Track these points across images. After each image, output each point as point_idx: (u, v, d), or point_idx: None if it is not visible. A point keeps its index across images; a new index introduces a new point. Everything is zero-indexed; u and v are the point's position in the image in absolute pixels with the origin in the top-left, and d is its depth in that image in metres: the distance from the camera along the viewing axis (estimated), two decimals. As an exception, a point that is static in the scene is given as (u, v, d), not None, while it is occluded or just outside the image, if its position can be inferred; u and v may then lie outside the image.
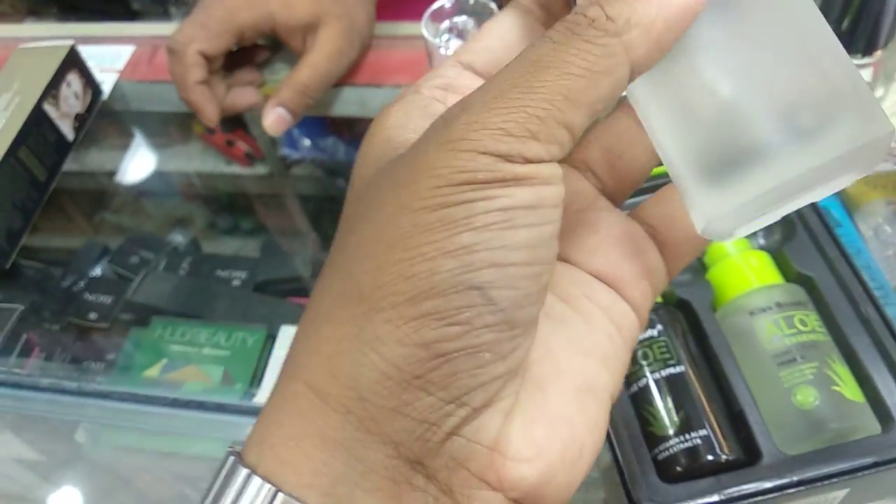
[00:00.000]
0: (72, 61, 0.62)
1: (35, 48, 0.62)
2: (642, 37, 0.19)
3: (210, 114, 0.59)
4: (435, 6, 0.43)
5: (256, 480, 0.19)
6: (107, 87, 0.69)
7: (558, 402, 0.21)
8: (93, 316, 0.69)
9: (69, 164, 0.70)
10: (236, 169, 0.75)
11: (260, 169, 0.76)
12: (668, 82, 0.21)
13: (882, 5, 0.43)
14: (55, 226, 0.73)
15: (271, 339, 0.61)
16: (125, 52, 0.72)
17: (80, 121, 0.64)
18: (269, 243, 0.78)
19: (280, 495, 0.19)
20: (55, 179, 0.62)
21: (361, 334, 0.19)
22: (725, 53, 0.20)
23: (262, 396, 0.54)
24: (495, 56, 0.24)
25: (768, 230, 0.46)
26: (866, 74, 0.47)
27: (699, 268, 0.45)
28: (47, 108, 0.60)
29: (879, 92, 0.50)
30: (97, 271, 0.74)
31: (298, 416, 0.20)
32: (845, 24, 0.45)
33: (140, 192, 0.76)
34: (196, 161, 0.76)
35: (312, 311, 0.21)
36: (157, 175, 0.75)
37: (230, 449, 0.21)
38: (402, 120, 0.23)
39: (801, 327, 0.39)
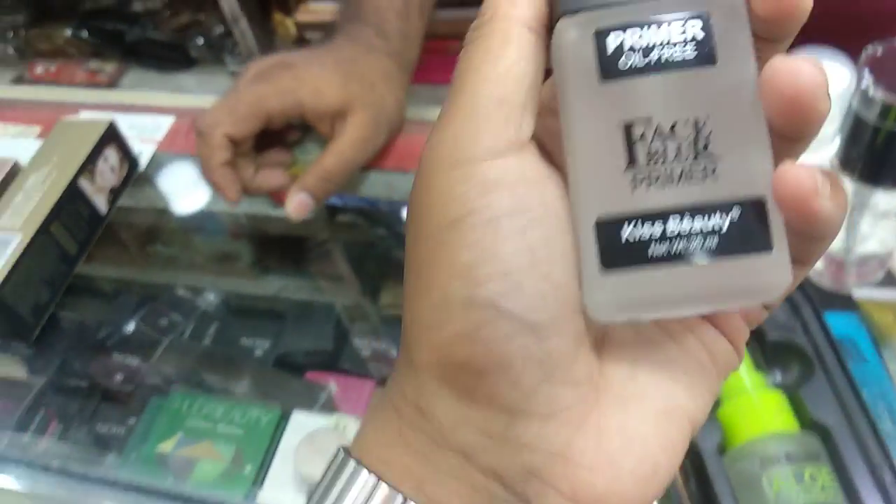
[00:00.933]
0: (109, 136, 0.64)
1: (75, 122, 0.64)
2: (509, 2, 0.21)
3: (231, 194, 0.60)
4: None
5: (363, 472, 0.22)
6: (145, 158, 0.71)
7: (636, 420, 0.21)
8: (119, 377, 0.70)
9: (124, 200, 0.72)
10: (283, 212, 0.77)
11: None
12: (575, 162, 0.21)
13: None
14: (106, 256, 0.75)
15: (285, 418, 0.61)
16: (165, 123, 0.73)
17: (114, 193, 0.65)
18: (296, 307, 0.78)
19: (381, 484, 0.22)
20: (85, 253, 0.63)
21: (413, 361, 0.21)
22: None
23: (264, 495, 0.54)
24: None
25: (785, 369, 0.44)
26: (894, 204, 0.45)
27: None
28: (83, 183, 0.62)
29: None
30: (130, 327, 0.75)
31: (386, 429, 0.22)
32: (870, 158, 0.43)
33: (188, 229, 0.78)
34: (245, 203, 0.79)
35: (402, 333, 0.23)
36: (206, 214, 0.76)
37: (341, 446, 0.23)
38: None
39: (810, 483, 0.37)
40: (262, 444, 0.59)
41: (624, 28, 0.20)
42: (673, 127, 0.20)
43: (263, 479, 0.57)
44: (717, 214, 0.19)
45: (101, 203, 0.64)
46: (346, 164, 0.60)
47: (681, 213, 0.20)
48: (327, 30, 0.76)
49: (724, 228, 0.19)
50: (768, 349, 0.44)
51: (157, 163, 0.71)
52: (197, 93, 1.00)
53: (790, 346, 0.43)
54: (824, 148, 0.41)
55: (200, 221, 0.77)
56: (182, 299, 0.78)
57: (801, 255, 0.21)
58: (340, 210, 0.79)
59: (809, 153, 0.42)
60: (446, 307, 0.20)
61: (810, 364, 0.42)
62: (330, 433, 0.54)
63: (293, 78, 0.60)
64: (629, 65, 0.20)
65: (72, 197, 0.61)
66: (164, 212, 0.75)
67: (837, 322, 0.49)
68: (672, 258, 0.20)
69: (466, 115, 0.20)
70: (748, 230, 0.19)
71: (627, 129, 0.20)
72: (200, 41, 1.63)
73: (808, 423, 0.41)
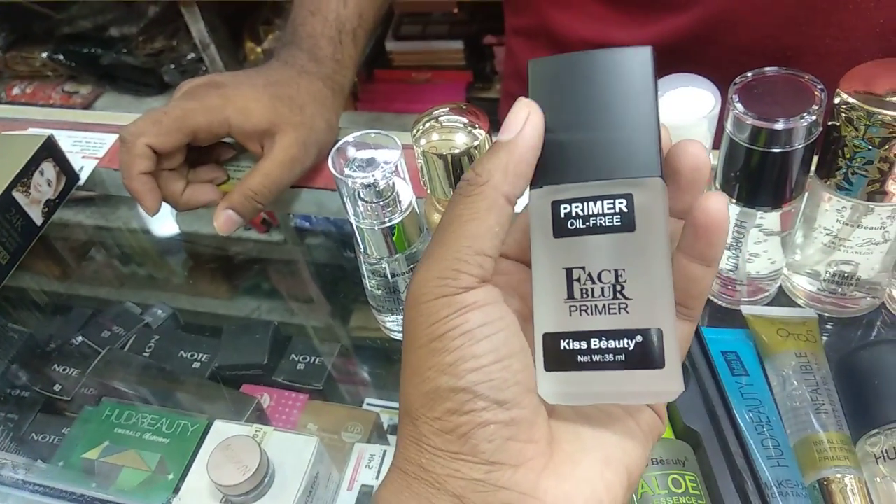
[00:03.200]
0: (47, 150, 0.66)
1: (14, 135, 0.65)
2: (503, 176, 0.29)
3: (149, 203, 0.62)
4: (339, 144, 0.45)
5: None
6: (85, 173, 0.72)
7: (584, 468, 0.29)
8: (57, 388, 0.71)
9: (96, 219, 0.74)
10: (253, 234, 0.79)
11: (275, 236, 0.80)
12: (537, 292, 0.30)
13: (786, 162, 0.44)
14: (51, 270, 0.76)
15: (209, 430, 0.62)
16: (109, 139, 0.75)
17: (49, 206, 0.67)
18: (231, 328, 0.79)
19: None
20: (17, 263, 0.64)
21: (414, 434, 0.29)
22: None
23: (178, 502, 0.54)
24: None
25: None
26: (775, 223, 0.47)
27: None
28: (16, 194, 0.63)
29: (799, 238, 0.50)
30: (76, 340, 0.76)
31: (395, 484, 0.30)
32: (747, 180, 0.45)
33: (161, 250, 0.80)
34: (207, 223, 0.80)
35: (398, 421, 0.31)
36: (178, 235, 0.78)
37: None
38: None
39: (673, 489, 0.39)
40: (186, 454, 0.60)
41: (571, 201, 0.28)
42: (599, 274, 0.28)
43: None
44: (626, 339, 0.27)
45: (35, 215, 0.66)
46: (272, 184, 0.62)
47: (600, 335, 0.28)
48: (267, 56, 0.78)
49: (631, 348, 0.27)
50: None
51: (97, 177, 0.73)
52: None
53: (669, 357, 0.45)
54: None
55: (165, 242, 0.79)
56: (126, 312, 0.79)
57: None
58: (309, 232, 0.81)
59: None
60: (437, 393, 0.28)
61: (686, 375, 0.44)
62: (244, 440, 0.55)
63: (221, 96, 0.62)
64: (573, 226, 0.28)
65: (4, 208, 0.62)
66: (102, 228, 0.77)
67: (725, 337, 0.51)
68: (594, 366, 0.28)
69: (451, 260, 0.29)
70: (648, 351, 0.27)
71: (568, 272, 0.28)
72: (172, 66, 1.67)
73: (681, 430, 0.42)
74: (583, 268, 0.28)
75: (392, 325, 0.57)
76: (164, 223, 0.79)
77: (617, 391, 0.28)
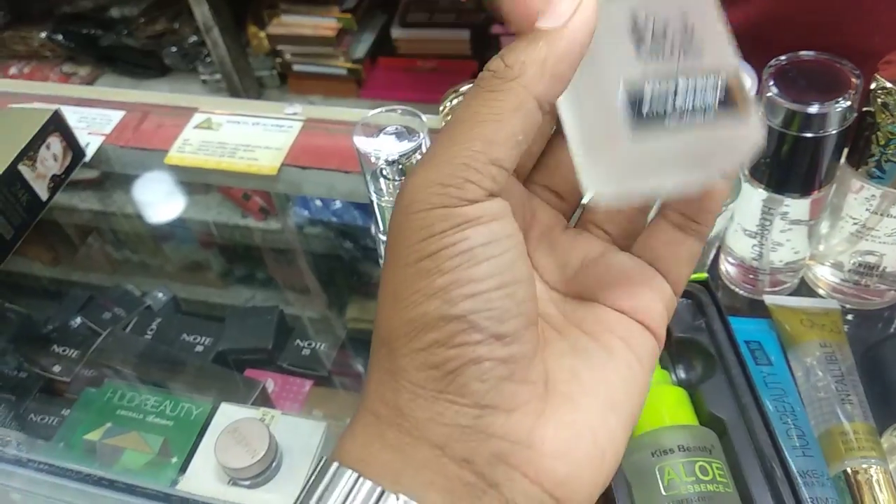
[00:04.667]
0: (54, 125, 0.65)
1: (20, 109, 0.64)
2: (538, 74, 0.23)
3: None
4: (363, 119, 0.44)
5: (345, 472, 0.24)
6: (92, 149, 0.71)
7: (585, 414, 0.25)
8: (56, 369, 0.69)
9: (95, 203, 0.72)
10: (251, 222, 0.78)
11: (273, 224, 0.79)
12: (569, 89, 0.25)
13: (818, 148, 0.43)
14: (55, 250, 0.75)
15: (216, 412, 0.61)
16: (115, 116, 0.74)
17: (55, 181, 0.66)
18: (235, 312, 0.78)
19: (362, 479, 0.24)
20: (22, 238, 0.63)
21: (391, 368, 0.24)
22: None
23: (185, 483, 0.53)
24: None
25: (689, 366, 0.45)
26: (803, 211, 0.46)
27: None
28: (22, 168, 0.62)
29: (824, 228, 0.50)
30: (76, 321, 0.75)
31: (365, 432, 0.25)
32: (777, 166, 0.45)
33: (159, 236, 0.78)
34: (213, 211, 0.79)
35: (371, 359, 0.26)
36: (177, 221, 0.77)
37: (325, 458, 0.26)
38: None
39: (700, 476, 0.38)
40: (191, 437, 0.59)
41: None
42: (665, 22, 0.24)
43: (177, 482, 0.57)
44: (711, 79, 0.24)
45: (41, 189, 0.64)
46: None
47: (686, 75, 0.24)
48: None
49: (710, 99, 0.24)
50: (673, 347, 0.45)
51: (103, 154, 0.72)
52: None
53: (694, 344, 0.44)
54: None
55: (166, 228, 0.77)
56: (128, 294, 0.78)
57: None
58: (307, 221, 0.80)
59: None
60: (425, 321, 0.24)
61: (712, 362, 0.43)
62: (253, 423, 0.54)
63: None
64: None
65: (10, 181, 0.61)
66: (104, 212, 0.75)
67: (748, 326, 0.50)
68: (685, 114, 0.23)
69: (458, 166, 0.23)
70: (732, 97, 0.24)
71: (634, 18, 0.24)
72: (174, 49, 1.65)
73: (706, 418, 0.42)
74: (648, 12, 0.24)
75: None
76: (163, 209, 0.78)
77: (703, 152, 0.24)
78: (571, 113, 0.26)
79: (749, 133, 0.24)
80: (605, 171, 0.24)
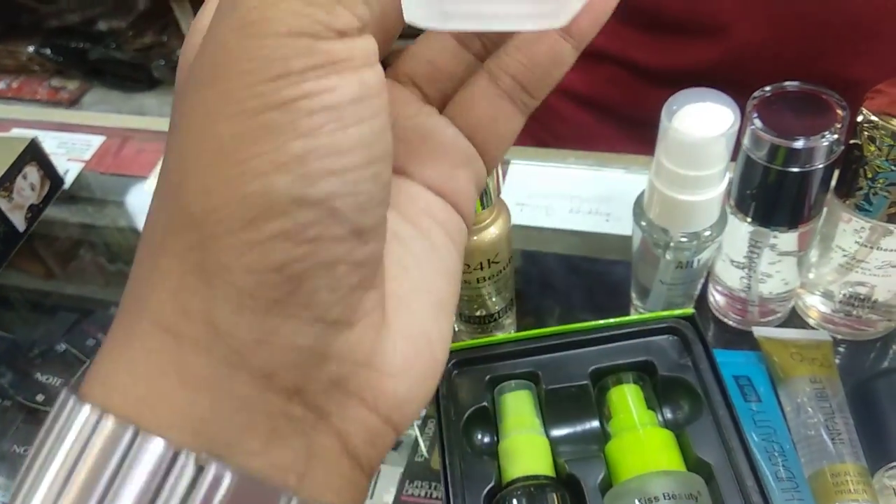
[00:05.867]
0: (31, 154, 0.63)
1: (-4, 139, 0.63)
2: None
3: None
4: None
5: (108, 421, 0.17)
6: (71, 176, 0.70)
7: (421, 318, 0.22)
8: (40, 398, 0.68)
9: (82, 217, 0.71)
10: None
11: None
12: None
13: (805, 183, 0.42)
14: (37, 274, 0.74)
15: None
16: (95, 141, 0.73)
17: (33, 211, 0.65)
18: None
19: (141, 436, 0.17)
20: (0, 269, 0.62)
21: (205, 265, 0.17)
22: None
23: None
24: None
25: (676, 406, 0.43)
26: (792, 243, 0.45)
27: (601, 437, 0.43)
28: (-2, 200, 0.61)
29: (814, 257, 0.49)
30: (61, 347, 0.73)
31: (149, 356, 0.18)
32: (763, 199, 0.44)
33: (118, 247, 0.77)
34: None
35: (147, 239, 0.19)
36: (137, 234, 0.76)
37: (66, 395, 0.18)
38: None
39: (686, 524, 0.37)
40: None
41: None
42: None
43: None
44: None
45: (18, 220, 0.63)
46: None
47: None
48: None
49: None
50: (659, 386, 0.44)
51: (84, 181, 0.70)
52: (159, 113, 0.99)
53: (680, 383, 0.43)
54: (714, 186, 0.41)
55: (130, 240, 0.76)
56: (112, 319, 0.77)
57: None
58: None
59: (697, 194, 0.42)
60: (267, 202, 0.17)
61: (699, 403, 0.42)
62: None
63: None
64: None
65: (-15, 214, 0.60)
66: (90, 229, 0.74)
67: (737, 360, 0.49)
68: None
69: None
70: None
71: None
72: (162, 62, 1.64)
73: (693, 462, 0.41)
74: None
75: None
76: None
77: None
78: None
79: None
80: None
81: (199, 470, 0.17)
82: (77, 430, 0.17)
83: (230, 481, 0.17)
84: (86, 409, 0.17)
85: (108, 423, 0.17)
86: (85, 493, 0.17)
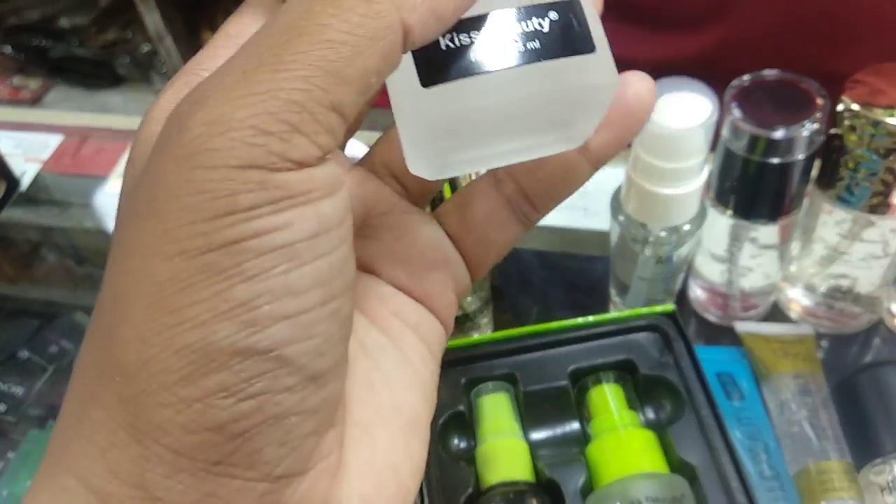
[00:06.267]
0: (-16, 155, 0.61)
1: (-53, 141, 0.60)
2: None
3: None
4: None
5: None
6: (28, 178, 0.67)
7: (386, 448, 0.19)
8: (2, 408, 0.66)
9: (41, 219, 0.68)
10: None
11: None
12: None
13: (785, 174, 0.41)
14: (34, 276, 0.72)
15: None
16: (53, 141, 0.70)
17: (-12, 215, 0.62)
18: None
19: None
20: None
21: (137, 423, 0.16)
22: None
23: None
24: None
25: (658, 406, 0.42)
26: (773, 236, 0.44)
27: (581, 439, 0.41)
28: (-51, 204, 0.58)
29: (795, 249, 0.48)
30: (23, 354, 0.71)
31: None
32: (743, 191, 0.42)
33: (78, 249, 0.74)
34: None
35: (77, 382, 0.17)
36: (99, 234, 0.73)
37: None
38: (166, 109, 0.18)
39: (671, 530, 0.36)
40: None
41: None
42: None
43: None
44: (535, 18, 0.18)
45: (-29, 224, 0.61)
46: None
47: (497, 21, 0.18)
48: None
49: (545, 28, 0.18)
50: (641, 385, 0.42)
51: (41, 182, 0.68)
52: (123, 112, 0.96)
53: (662, 382, 0.42)
54: (692, 179, 0.40)
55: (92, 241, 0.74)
56: (77, 326, 0.74)
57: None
58: None
59: (676, 187, 0.41)
60: (206, 354, 0.15)
61: (681, 402, 0.41)
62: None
63: None
64: None
65: (-63, 218, 0.57)
66: (51, 231, 0.72)
67: (719, 357, 0.48)
68: (496, 62, 0.18)
69: (285, 104, 0.15)
70: (568, 29, 0.18)
71: None
72: (127, 59, 1.60)
73: (676, 463, 0.39)
74: None
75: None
76: (110, 226, 0.74)
77: (533, 94, 0.18)
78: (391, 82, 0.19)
79: (595, 76, 0.19)
80: (414, 118, 0.18)
81: None
82: None
83: None
84: None
85: None
86: None
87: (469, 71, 0.18)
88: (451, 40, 0.18)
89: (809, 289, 0.48)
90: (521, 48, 0.18)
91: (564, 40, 0.18)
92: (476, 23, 0.18)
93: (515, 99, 0.18)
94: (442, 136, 0.18)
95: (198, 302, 0.15)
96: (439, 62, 0.17)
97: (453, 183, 0.41)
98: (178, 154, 0.15)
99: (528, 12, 0.18)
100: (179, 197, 0.15)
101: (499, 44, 0.18)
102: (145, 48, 1.57)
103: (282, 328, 0.16)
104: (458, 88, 0.18)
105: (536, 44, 0.18)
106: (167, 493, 0.16)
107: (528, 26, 0.18)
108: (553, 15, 0.18)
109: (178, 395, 0.15)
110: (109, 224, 0.72)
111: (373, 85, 0.16)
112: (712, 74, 0.41)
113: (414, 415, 0.20)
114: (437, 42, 0.17)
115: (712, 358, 0.47)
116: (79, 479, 0.16)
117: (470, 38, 0.18)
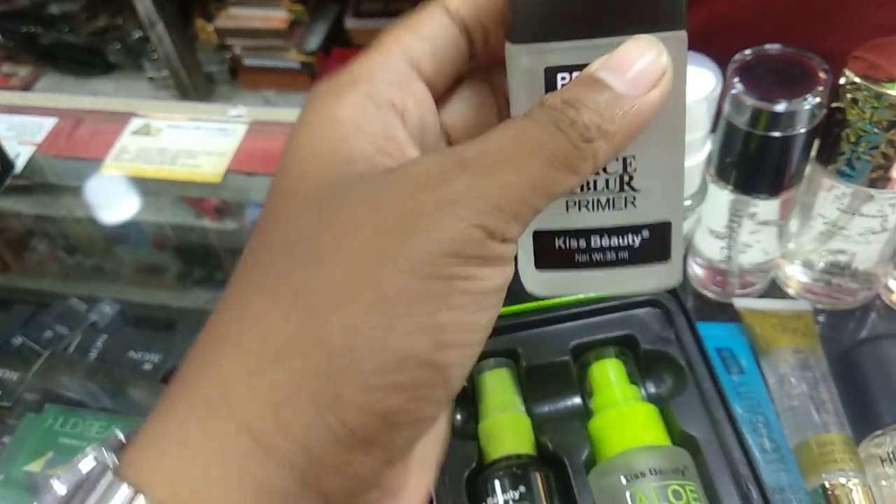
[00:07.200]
0: (-22, 137, 0.60)
1: (-60, 122, 0.59)
2: (607, 147, 0.20)
3: None
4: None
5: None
6: (22, 160, 0.67)
7: (432, 447, 0.24)
8: (-4, 393, 0.66)
9: (38, 208, 0.68)
10: (206, 222, 0.75)
11: (229, 224, 0.76)
12: None
13: (787, 148, 0.41)
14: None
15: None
16: (47, 124, 0.69)
17: (-18, 197, 0.61)
18: (187, 321, 0.75)
19: None
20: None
21: (322, 393, 0.19)
22: None
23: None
24: (438, 64, 0.24)
25: (659, 380, 0.42)
26: (773, 212, 0.44)
27: (583, 414, 0.41)
28: (-57, 185, 0.58)
29: (794, 226, 0.48)
30: (17, 340, 0.71)
31: (229, 460, 0.19)
32: (744, 166, 0.42)
33: (108, 239, 0.74)
34: (167, 213, 0.76)
35: (248, 340, 0.20)
36: (126, 225, 0.73)
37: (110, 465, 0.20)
38: (359, 118, 0.22)
39: (674, 500, 0.36)
40: (139, 464, 0.56)
41: (570, 69, 0.21)
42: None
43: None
44: (631, 235, 0.23)
45: (-34, 207, 0.60)
46: None
47: (602, 233, 0.23)
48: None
49: (637, 245, 0.23)
50: (642, 360, 0.43)
51: (36, 164, 0.67)
52: (114, 98, 0.95)
53: (663, 357, 0.42)
54: (694, 154, 0.40)
55: (113, 232, 0.73)
56: (71, 309, 0.74)
57: None
58: None
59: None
60: (403, 358, 0.19)
61: (683, 376, 0.41)
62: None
63: None
64: None
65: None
66: (46, 216, 0.71)
67: (718, 332, 0.48)
68: (593, 264, 0.24)
69: (515, 200, 0.20)
70: (654, 246, 0.23)
71: None
72: (118, 46, 1.58)
73: (678, 436, 0.40)
74: None
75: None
76: (112, 211, 0.74)
77: (615, 284, 0.24)
78: None
79: (662, 279, 0.24)
80: (529, 279, 0.25)
81: None
82: None
83: None
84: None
85: None
86: None
87: (572, 265, 0.24)
88: (564, 242, 0.23)
89: (807, 265, 0.49)
90: (615, 256, 0.23)
91: (649, 252, 0.24)
92: (586, 233, 0.23)
93: (598, 281, 0.24)
94: (548, 292, 0.25)
95: (411, 315, 0.19)
96: (552, 255, 0.24)
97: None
98: (441, 198, 0.19)
99: (628, 230, 0.23)
100: (429, 231, 0.19)
101: (599, 250, 0.23)
102: (136, 34, 1.56)
103: (456, 353, 0.20)
104: (562, 278, 0.24)
105: (626, 254, 0.23)
106: (321, 456, 0.19)
107: (624, 240, 0.23)
108: (646, 233, 0.23)
109: (366, 381, 0.19)
110: (104, 212, 0.72)
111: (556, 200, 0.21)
112: (707, 54, 0.41)
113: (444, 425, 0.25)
114: (554, 241, 0.23)
115: (711, 334, 0.47)
116: (244, 427, 0.19)
117: (577, 243, 0.23)
